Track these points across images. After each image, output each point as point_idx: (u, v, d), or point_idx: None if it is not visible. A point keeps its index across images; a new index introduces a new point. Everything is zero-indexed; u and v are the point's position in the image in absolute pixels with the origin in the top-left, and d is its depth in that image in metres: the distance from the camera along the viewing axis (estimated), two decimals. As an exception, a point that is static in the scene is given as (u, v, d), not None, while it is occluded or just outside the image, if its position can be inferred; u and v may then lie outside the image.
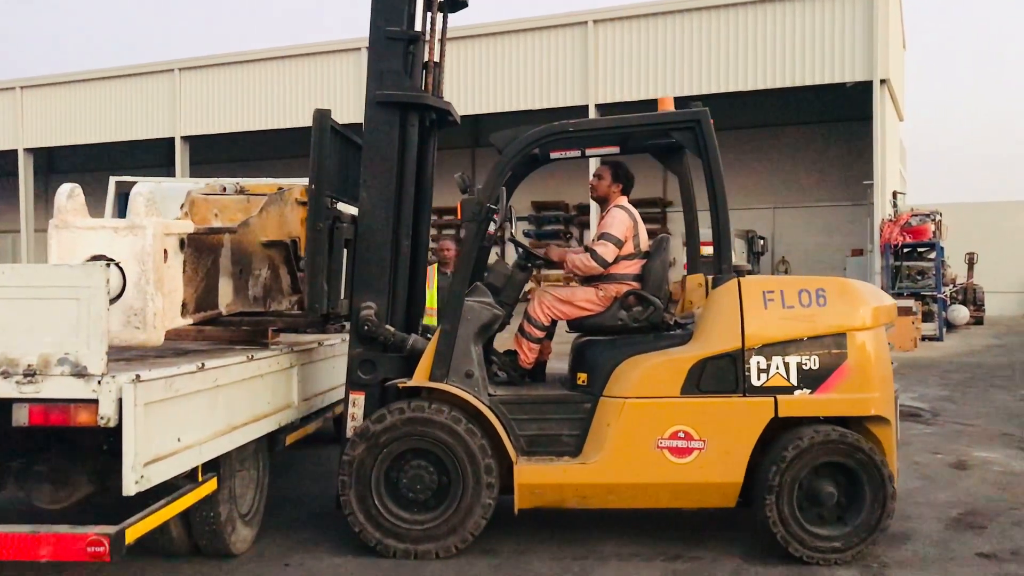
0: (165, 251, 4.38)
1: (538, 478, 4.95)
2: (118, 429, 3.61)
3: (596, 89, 22.54)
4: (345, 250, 5.43)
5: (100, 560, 3.55)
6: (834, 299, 4.99)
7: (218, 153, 28.53)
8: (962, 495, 6.18)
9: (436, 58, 5.51)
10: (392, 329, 5.17)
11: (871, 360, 4.95)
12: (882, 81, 20.00)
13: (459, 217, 5.14)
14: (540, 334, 5.46)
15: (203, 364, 4.21)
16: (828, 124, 24.11)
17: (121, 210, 8.67)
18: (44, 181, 32.42)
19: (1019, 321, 24.98)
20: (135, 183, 8.45)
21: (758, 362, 4.88)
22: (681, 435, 4.86)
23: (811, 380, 4.88)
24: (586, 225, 24.51)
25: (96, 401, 3.60)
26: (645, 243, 5.51)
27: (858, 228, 22.74)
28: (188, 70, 27.14)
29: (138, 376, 3.66)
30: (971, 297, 23.60)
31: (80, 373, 3.62)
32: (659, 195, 25.68)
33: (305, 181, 7.78)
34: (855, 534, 4.83)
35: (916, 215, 20.27)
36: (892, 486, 4.84)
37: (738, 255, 21.12)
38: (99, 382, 3.60)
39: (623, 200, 5.57)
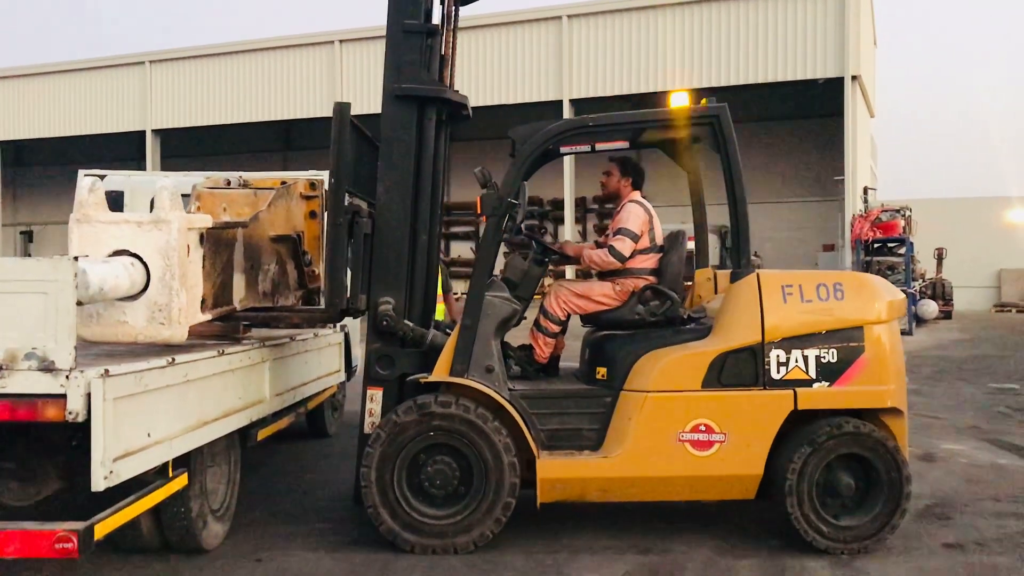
0: (187, 246, 4.35)
1: (561, 472, 4.95)
2: (87, 424, 3.57)
3: (570, 84, 22.57)
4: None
5: (69, 557, 3.51)
6: (851, 293, 5.03)
7: (190, 147, 28.31)
8: (929, 487, 6.26)
9: (447, 51, 5.47)
10: (411, 324, 5.13)
11: (887, 353, 5.01)
12: (853, 77, 20.20)
13: (479, 212, 5.09)
14: (556, 329, 5.46)
15: (173, 359, 4.17)
16: (800, 120, 24.32)
17: (90, 204, 8.59)
18: (11, 174, 32.00)
19: (986, 315, 25.32)
20: (104, 176, 8.39)
21: (778, 355, 4.92)
22: (702, 428, 4.89)
23: (830, 373, 4.93)
24: (560, 220, 24.52)
25: (64, 396, 3.55)
26: (660, 237, 5.51)
27: (829, 223, 22.98)
28: (159, 63, 26.91)
29: (107, 371, 3.62)
30: (940, 292, 23.88)
31: (48, 368, 3.57)
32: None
33: (304, 174, 7.84)
34: (872, 524, 4.89)
35: (886, 211, 20.48)
36: (908, 477, 4.91)
37: (712, 251, 21.22)
38: (67, 377, 3.55)
39: (636, 195, 5.57)
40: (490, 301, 5.11)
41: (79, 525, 3.56)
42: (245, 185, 5.91)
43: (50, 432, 3.94)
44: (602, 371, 5.19)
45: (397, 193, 5.17)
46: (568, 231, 22.71)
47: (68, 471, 4.15)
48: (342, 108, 5.09)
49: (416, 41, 5.17)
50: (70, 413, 3.55)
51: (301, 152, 29.91)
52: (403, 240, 5.18)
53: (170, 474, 4.28)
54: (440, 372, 4.99)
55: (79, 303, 3.83)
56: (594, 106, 22.05)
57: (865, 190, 21.71)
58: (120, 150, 28.82)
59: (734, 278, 5.08)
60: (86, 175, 8.69)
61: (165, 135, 27.17)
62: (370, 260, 5.20)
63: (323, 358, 6.57)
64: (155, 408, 4.01)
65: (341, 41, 24.97)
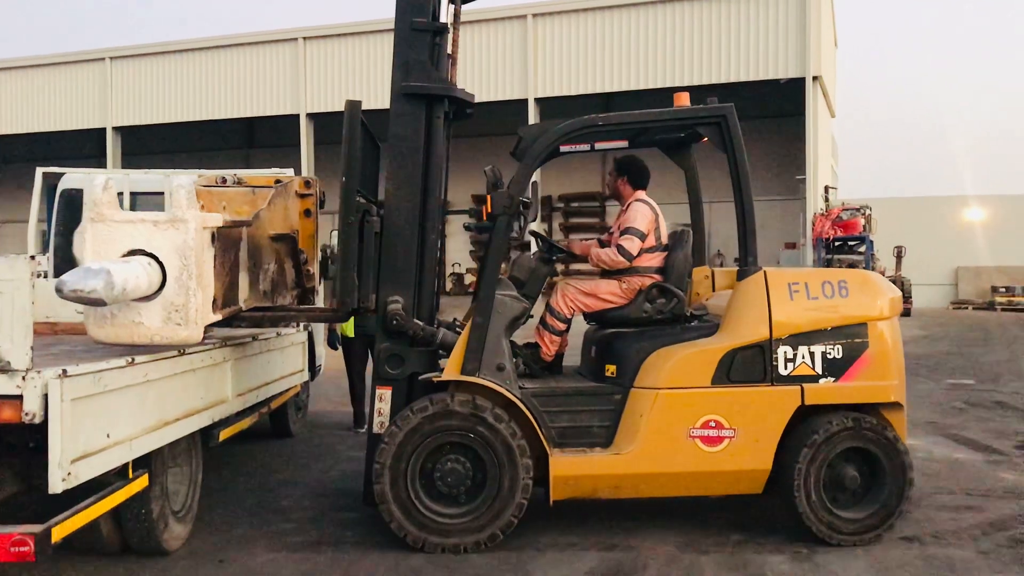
0: (202, 245, 4.31)
1: (573, 469, 4.97)
2: (44, 425, 3.53)
3: (536, 83, 22.60)
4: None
5: (25, 560, 3.46)
6: (855, 290, 5.15)
7: (152, 144, 27.97)
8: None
9: (453, 49, 5.45)
10: (421, 323, 5.12)
11: (889, 348, 5.13)
12: (814, 78, 20.43)
13: (489, 210, 5.10)
14: (563, 327, 5.49)
15: (133, 359, 4.13)
16: (762, 120, 24.52)
17: (48, 202, 8.46)
18: (-32, 172, 31.42)
19: (944, 312, 25.72)
20: (63, 174, 8.27)
21: (785, 352, 5.01)
22: (712, 424, 4.96)
23: (835, 369, 5.04)
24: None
25: (20, 397, 3.50)
26: (665, 236, 5.58)
27: (791, 222, 23.22)
28: (120, 59, 26.54)
29: (64, 371, 3.58)
30: (899, 289, 24.18)
31: (3, 368, 3.52)
32: (598, 189, 25.90)
33: (267, 172, 7.81)
34: (877, 516, 5.01)
35: (847, 209, 20.76)
36: (911, 467, 5.05)
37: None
38: (24, 377, 3.51)
39: (641, 194, 5.63)
40: (501, 300, 5.12)
41: (36, 528, 3.51)
42: (239, 183, 5.87)
43: (6, 434, 3.88)
44: (611, 368, 5.24)
45: (406, 191, 5.14)
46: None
47: (25, 473, 4.11)
48: (353, 106, 5.05)
49: (424, 39, 5.16)
50: (27, 414, 3.51)
51: (265, 150, 29.69)
52: (412, 239, 5.15)
53: (130, 475, 4.25)
54: (452, 371, 4.99)
55: (103, 303, 3.85)
56: (560, 105, 22.12)
57: (826, 189, 21.99)
58: (80, 147, 28.42)
59: (741, 276, 5.16)
60: (44, 172, 8.57)
61: (126, 132, 26.80)
62: (379, 259, 5.17)
63: (286, 357, 6.53)
64: (115, 409, 3.97)
65: (305, 38, 24.79)
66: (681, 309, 5.37)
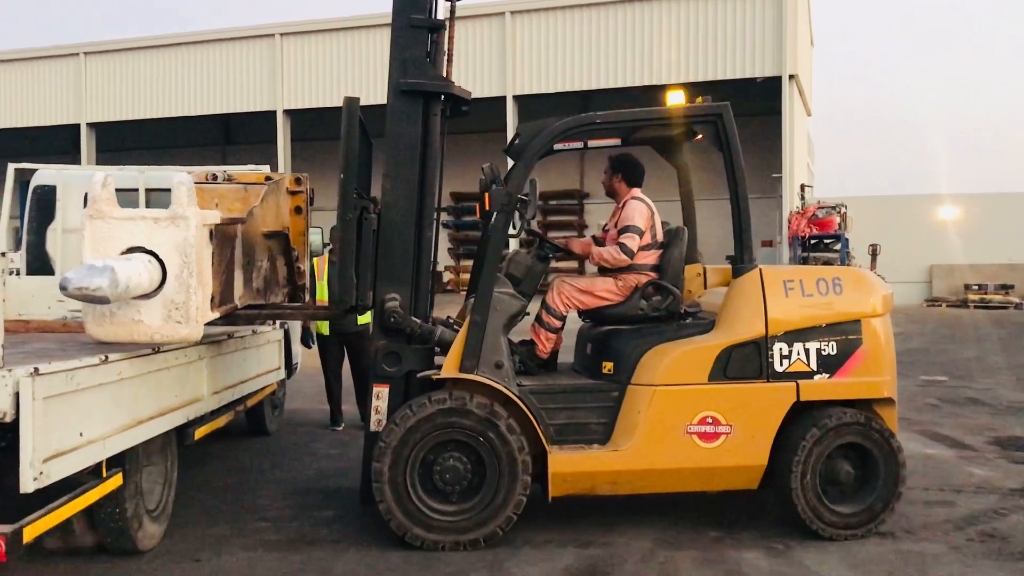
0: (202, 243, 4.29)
1: (572, 466, 4.99)
2: (15, 424, 3.49)
3: (514, 80, 22.60)
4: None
5: (-4, 560, 3.43)
6: (849, 288, 5.21)
7: (126, 141, 27.71)
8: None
9: (449, 46, 5.44)
10: (419, 321, 5.10)
11: (882, 345, 5.20)
12: (790, 77, 20.57)
13: (487, 208, 5.10)
14: (559, 324, 5.50)
15: (106, 356, 4.09)
16: (738, 118, 24.39)
17: (21, 198, 8.36)
18: (-61, 168, 30.99)
19: (918, 310, 25.95)
20: (36, 171, 8.17)
21: (780, 348, 5.06)
22: (709, 420, 5.00)
23: (830, 365, 5.10)
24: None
25: (-8, 396, 3.47)
26: (660, 234, 5.60)
27: (767, 220, 23.32)
28: (94, 54, 26.29)
29: (36, 369, 3.54)
30: (875, 287, 24.35)
31: (-26, 367, 3.48)
32: (576, 187, 25.93)
33: (243, 169, 7.75)
34: (871, 509, 5.08)
35: (822, 207, 20.90)
36: (903, 463, 5.12)
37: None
38: (-6, 376, 3.47)
39: (637, 192, 5.65)
40: (499, 297, 5.11)
41: (6, 528, 3.48)
42: (229, 179, 5.83)
43: (-23, 433, 3.84)
44: (608, 366, 5.26)
45: (403, 189, 5.12)
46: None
47: (-4, 472, 4.05)
48: (351, 103, 5.03)
49: (422, 36, 5.15)
50: (-2, 413, 3.46)
51: (241, 147, 29.50)
52: (409, 236, 5.14)
53: (104, 474, 4.21)
54: (450, 368, 4.98)
55: (108, 301, 3.84)
56: (538, 103, 22.13)
57: (802, 187, 22.12)
58: (54, 144, 28.11)
59: (736, 273, 5.19)
60: (17, 168, 8.46)
61: (101, 129, 26.55)
62: (375, 256, 5.14)
63: (262, 355, 6.50)
64: (88, 407, 3.93)
65: (282, 35, 24.66)
66: (677, 306, 5.40)
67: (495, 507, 4.88)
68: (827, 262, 20.51)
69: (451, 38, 5.37)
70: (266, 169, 7.95)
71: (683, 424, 4.98)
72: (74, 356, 4.00)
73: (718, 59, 21.07)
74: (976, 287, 26.39)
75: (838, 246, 20.70)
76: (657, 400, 4.98)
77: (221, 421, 5.77)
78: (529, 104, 22.40)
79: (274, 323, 6.81)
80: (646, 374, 5.08)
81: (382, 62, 23.85)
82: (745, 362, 5.04)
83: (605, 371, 5.28)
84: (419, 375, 5.08)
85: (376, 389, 5.09)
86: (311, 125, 26.36)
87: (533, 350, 5.51)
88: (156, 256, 4.16)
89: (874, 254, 25.53)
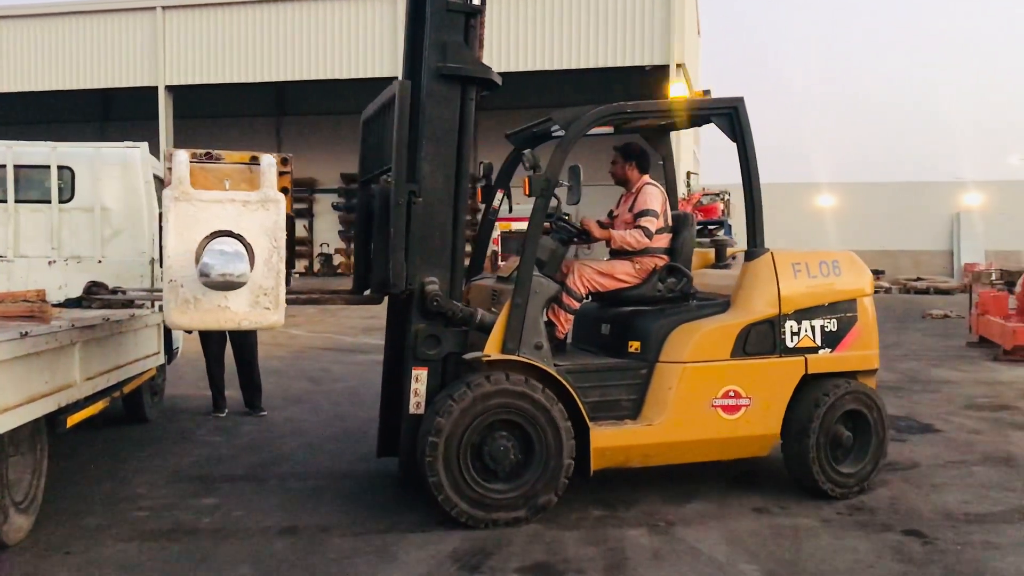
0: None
1: (610, 441, 5.21)
2: None
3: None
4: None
5: None
6: (845, 269, 5.72)
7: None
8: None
9: (481, 29, 5.43)
10: (459, 304, 5.15)
11: (871, 321, 5.75)
12: (678, 65, 21.00)
13: (526, 193, 5.26)
14: (578, 305, 5.68)
15: (-33, 342, 3.88)
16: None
17: None
18: None
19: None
20: None
21: (791, 326, 5.51)
22: (731, 394, 5.38)
23: (832, 340, 5.61)
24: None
25: None
26: (670, 218, 5.86)
27: (655, 206, 23.82)
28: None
29: None
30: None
31: None
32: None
33: (119, 146, 7.49)
34: (866, 468, 5.61)
35: (707, 194, 21.48)
36: (889, 426, 5.82)
37: (544, 230, 21.57)
38: None
39: (647, 178, 5.92)
40: (538, 280, 5.25)
41: None
42: (218, 160, 5.62)
43: None
44: (635, 345, 5.54)
45: (442, 172, 5.12)
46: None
47: None
48: (404, 88, 4.99)
49: (459, 20, 5.16)
50: None
51: (121, 123, 28.36)
52: (447, 219, 5.14)
53: (-35, 465, 3.99)
54: (491, 349, 5.08)
55: (242, 286, 3.86)
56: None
57: (688, 175, 22.65)
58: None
59: (749, 257, 5.59)
60: None
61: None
62: (406, 239, 5.09)
63: (140, 340, 6.26)
64: (-53, 395, 3.72)
65: (164, 8, 23.78)
66: (690, 288, 5.73)
67: (542, 484, 5.02)
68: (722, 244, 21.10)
69: (482, 23, 5.40)
70: (144, 146, 7.68)
71: (709, 398, 5.34)
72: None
73: (608, 47, 21.36)
74: (850, 272, 27.57)
75: (721, 232, 21.30)
76: (686, 376, 5.31)
77: (96, 408, 5.53)
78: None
79: (153, 306, 6.58)
80: (674, 352, 5.39)
81: (273, 39, 23.37)
82: (761, 339, 5.46)
83: (632, 350, 5.54)
84: (465, 357, 5.14)
85: (415, 372, 5.11)
86: (195, 102, 25.55)
87: (552, 331, 5.60)
88: (242, 240, 4.09)
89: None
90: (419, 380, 5.12)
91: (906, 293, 27.63)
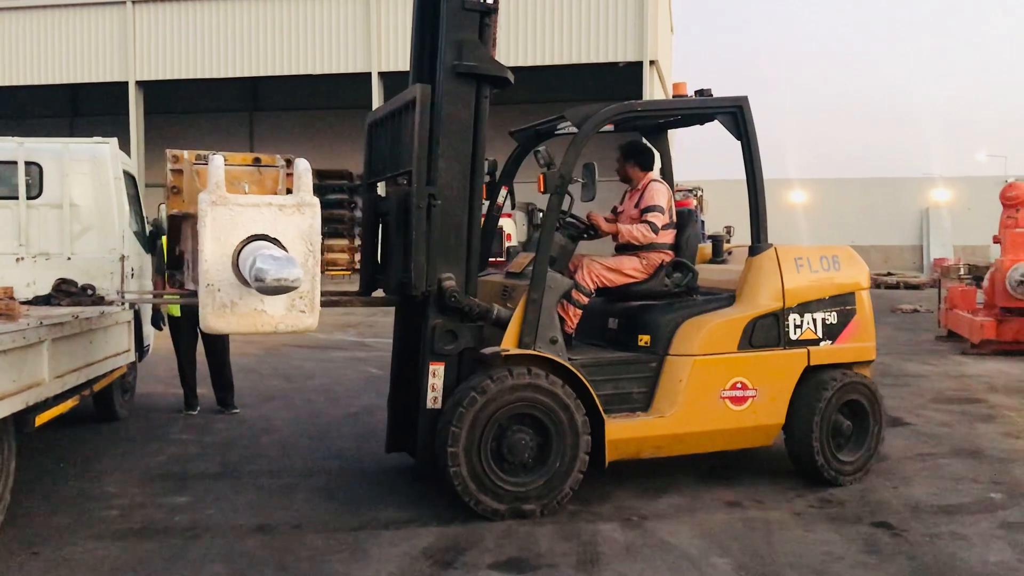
0: None
1: (624, 433, 5.31)
2: None
3: (379, 57, 22.32)
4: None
5: None
6: (844, 264, 5.93)
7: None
8: (716, 451, 6.64)
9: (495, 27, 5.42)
10: (476, 299, 5.18)
11: (868, 314, 5.95)
12: (651, 62, 21.07)
13: (541, 190, 5.40)
14: (587, 301, 5.74)
15: (-69, 341, 3.82)
16: (601, 102, 25.11)
17: None
18: None
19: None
20: None
21: (794, 319, 5.68)
22: (739, 385, 5.54)
23: (832, 332, 5.79)
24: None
25: None
26: (674, 214, 5.97)
27: (628, 202, 23.92)
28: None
29: None
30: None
31: None
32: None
33: (89, 141, 7.40)
34: (864, 456, 5.81)
35: (680, 190, 21.50)
36: (886, 414, 5.99)
37: (519, 227, 21.63)
38: None
39: (652, 175, 6.05)
40: (553, 276, 5.32)
41: None
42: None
43: None
44: (645, 339, 5.65)
45: (458, 170, 5.14)
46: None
47: None
48: (425, 91, 5.04)
49: (474, 19, 5.16)
50: None
51: (90, 119, 28.05)
52: (463, 217, 5.17)
53: (-69, 465, 3.94)
54: (508, 344, 5.15)
55: (264, 292, 3.85)
56: (404, 80, 21.89)
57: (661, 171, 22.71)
58: None
59: (754, 252, 5.75)
60: None
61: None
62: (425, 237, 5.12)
63: (110, 337, 6.20)
64: (-88, 394, 3.67)
65: (134, 1, 23.53)
66: (695, 283, 5.85)
67: (559, 477, 5.08)
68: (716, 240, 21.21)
69: (495, 22, 5.39)
70: (112, 142, 7.61)
71: (718, 390, 5.48)
72: None
73: (583, 43, 21.39)
74: (821, 268, 27.82)
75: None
76: (697, 369, 5.43)
77: (65, 406, 5.47)
78: (394, 80, 22.16)
79: (123, 303, 6.52)
80: (684, 345, 5.50)
81: (245, 33, 23.19)
82: (767, 332, 5.60)
83: (641, 344, 5.63)
84: (484, 351, 5.17)
85: (432, 367, 5.16)
86: (166, 98, 25.31)
87: (561, 326, 5.60)
88: (278, 244, 4.10)
89: (728, 235, 26.56)
90: (436, 375, 5.19)
91: (876, 288, 27.89)
